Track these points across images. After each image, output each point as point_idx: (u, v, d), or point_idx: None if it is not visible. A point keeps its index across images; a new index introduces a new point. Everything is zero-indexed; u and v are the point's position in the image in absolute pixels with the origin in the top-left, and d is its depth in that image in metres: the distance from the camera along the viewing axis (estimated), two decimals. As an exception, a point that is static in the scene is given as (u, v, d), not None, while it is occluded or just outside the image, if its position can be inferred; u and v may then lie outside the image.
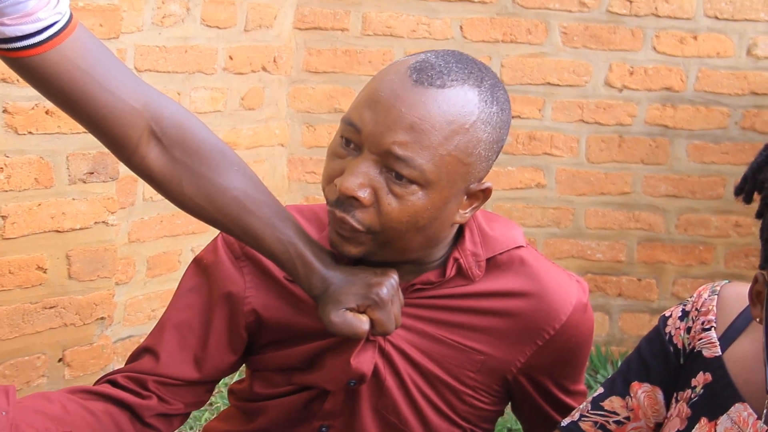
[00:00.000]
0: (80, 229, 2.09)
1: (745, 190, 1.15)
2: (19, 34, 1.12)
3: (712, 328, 1.21)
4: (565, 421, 1.30)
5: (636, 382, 1.26)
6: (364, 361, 1.30)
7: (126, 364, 1.39)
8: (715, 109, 2.97)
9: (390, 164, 1.19)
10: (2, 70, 1.91)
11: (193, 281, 1.38)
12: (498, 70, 2.92)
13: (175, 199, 1.26)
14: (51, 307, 2.07)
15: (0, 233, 1.96)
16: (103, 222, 2.13)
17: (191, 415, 2.34)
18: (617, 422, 1.27)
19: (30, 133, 1.98)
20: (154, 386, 1.33)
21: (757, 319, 1.12)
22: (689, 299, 1.27)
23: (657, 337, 1.26)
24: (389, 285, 1.24)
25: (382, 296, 1.22)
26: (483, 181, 1.26)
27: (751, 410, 1.14)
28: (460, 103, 1.19)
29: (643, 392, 1.25)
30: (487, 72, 1.24)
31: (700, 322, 1.22)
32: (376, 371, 1.32)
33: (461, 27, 2.90)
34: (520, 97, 2.94)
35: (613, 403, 1.27)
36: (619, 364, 1.30)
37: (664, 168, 3.00)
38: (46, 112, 2.00)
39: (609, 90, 2.96)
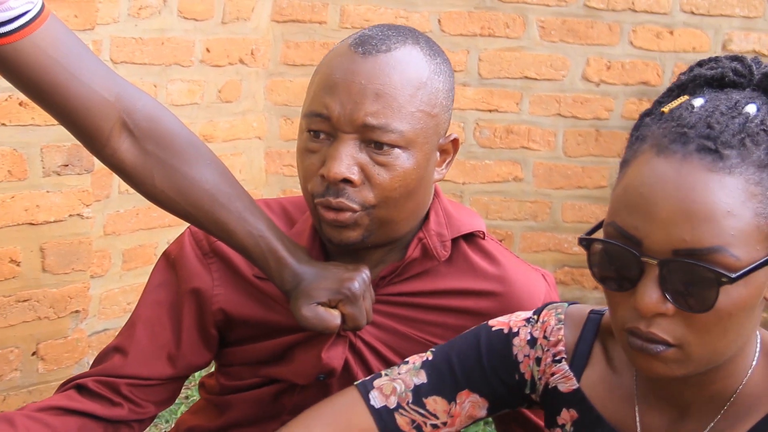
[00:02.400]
0: (54, 221, 2.08)
1: None
2: None
3: (563, 360, 1.13)
4: (375, 401, 1.15)
5: (467, 390, 1.16)
6: (335, 355, 1.30)
7: (95, 363, 1.37)
8: (691, 104, 2.99)
9: (369, 137, 1.20)
10: (-25, 61, 1.89)
11: (162, 277, 1.37)
12: (476, 64, 2.93)
13: (147, 192, 1.26)
14: (24, 300, 2.06)
15: (-27, 226, 1.95)
16: (77, 214, 2.11)
17: (169, 409, 2.33)
18: (434, 425, 1.16)
19: (3, 125, 1.97)
20: (126, 390, 1.32)
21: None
22: (533, 318, 1.17)
23: (503, 354, 1.16)
24: (361, 280, 1.24)
25: (354, 291, 1.23)
26: (448, 134, 1.29)
27: None
28: (410, 61, 1.23)
29: (470, 402, 1.17)
30: (417, 32, 1.29)
31: (550, 354, 1.14)
32: (347, 366, 1.32)
33: (439, 20, 2.90)
34: (497, 90, 2.95)
35: (437, 404, 1.16)
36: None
37: (641, 162, 3.02)
38: (20, 104, 1.98)
39: (586, 84, 2.98)
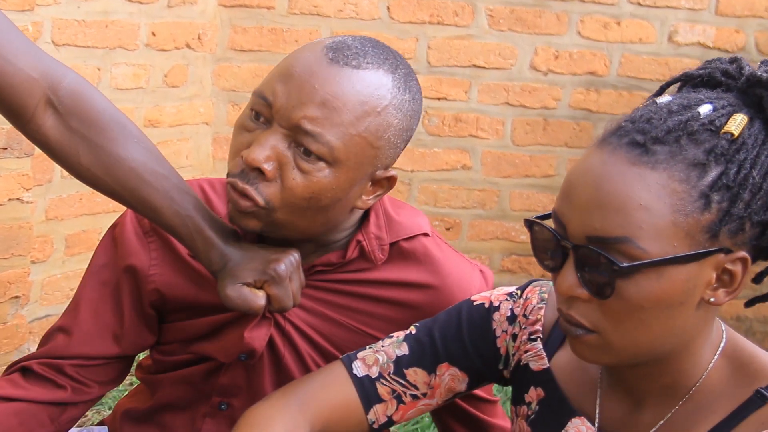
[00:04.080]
0: (-6, 205, 2.05)
1: None
2: None
3: (539, 339, 1.15)
4: (358, 370, 1.18)
5: (447, 363, 1.18)
6: (257, 336, 1.30)
7: (40, 345, 1.37)
8: (638, 94, 3.03)
9: (299, 139, 1.18)
10: None
11: (105, 256, 1.36)
12: (424, 52, 2.93)
13: (73, 169, 1.24)
14: (-38, 286, 2.03)
15: None
16: (17, 199, 2.08)
17: (112, 396, 2.31)
18: (413, 396, 1.19)
19: (-61, 106, 1.93)
20: (71, 370, 1.31)
21: None
22: (516, 293, 1.19)
23: (482, 328, 1.18)
24: (288, 262, 1.23)
25: (280, 272, 1.22)
26: (389, 169, 1.26)
27: (588, 423, 1.08)
28: (374, 85, 1.19)
29: (449, 375, 1.18)
30: (402, 61, 1.25)
31: (527, 332, 1.16)
32: (274, 348, 1.32)
33: (388, 7, 2.90)
34: (446, 78, 2.96)
35: (417, 375, 1.18)
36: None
37: (588, 151, 3.05)
38: (-43, 85, 1.94)
39: (534, 73, 3.00)
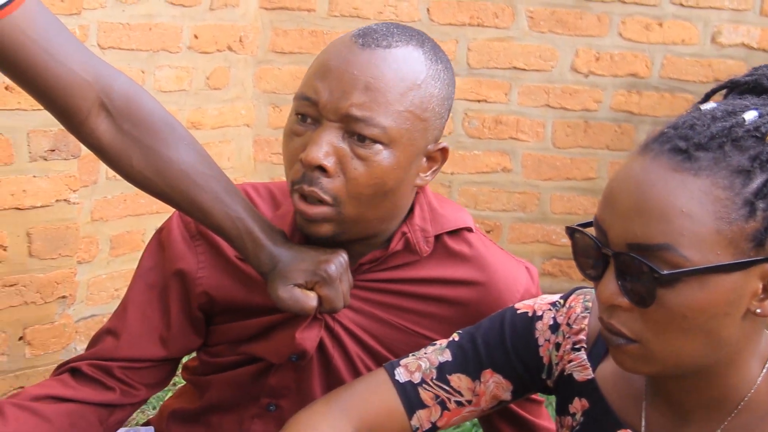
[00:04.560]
0: (41, 206, 2.07)
1: None
2: None
3: (582, 348, 1.13)
4: (400, 376, 1.18)
5: (491, 370, 1.17)
6: (309, 337, 1.30)
7: (89, 346, 1.38)
8: (680, 96, 3.00)
9: (351, 127, 1.19)
10: (-39, 44, 1.88)
11: (152, 259, 1.38)
12: (464, 54, 2.93)
13: (125, 172, 1.26)
14: (11, 285, 2.05)
15: (-42, 209, 1.94)
16: (64, 200, 2.11)
17: (156, 395, 2.33)
18: (458, 402, 1.18)
19: (-10, 108, 1.96)
20: (120, 373, 1.33)
21: None
22: (559, 302, 1.18)
23: (525, 337, 1.17)
24: (338, 262, 1.24)
25: (331, 273, 1.23)
26: (439, 142, 1.28)
27: None
28: (408, 60, 1.21)
29: (494, 382, 1.18)
30: (426, 36, 1.28)
31: (571, 341, 1.14)
32: (324, 349, 1.32)
33: (428, 9, 2.90)
34: (486, 80, 2.95)
35: (461, 381, 1.18)
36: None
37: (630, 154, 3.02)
38: (6, 88, 1.97)
39: (575, 75, 2.98)
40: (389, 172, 1.21)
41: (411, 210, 1.32)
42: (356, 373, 1.33)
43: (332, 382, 1.33)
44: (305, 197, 1.21)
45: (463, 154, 2.98)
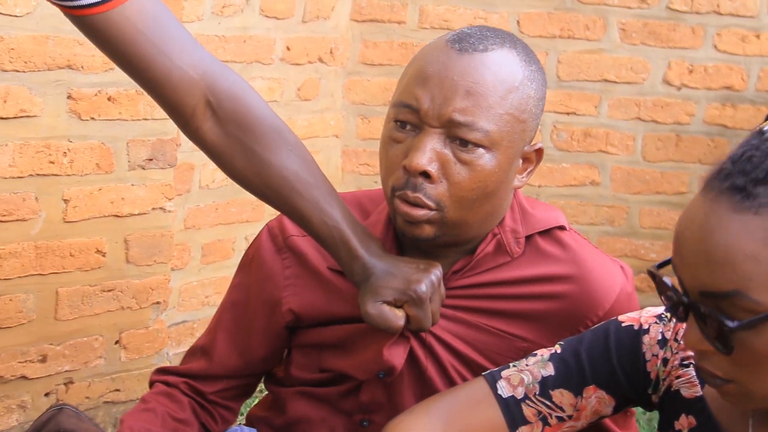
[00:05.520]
0: (138, 214, 2.12)
1: None
2: None
3: (691, 365, 1.10)
4: (503, 391, 1.16)
5: (594, 386, 1.15)
6: (396, 354, 1.30)
7: (183, 360, 1.44)
8: (777, 110, 2.92)
9: (454, 133, 1.20)
10: (67, 57, 1.94)
11: (240, 277, 1.41)
12: (554, 66, 2.90)
13: (227, 170, 1.27)
14: (109, 290, 2.11)
15: (62, 216, 2.00)
16: (160, 208, 2.16)
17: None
18: (559, 418, 1.16)
19: (92, 119, 2.02)
20: (213, 397, 1.39)
21: None
22: (666, 315, 1.15)
23: (632, 352, 1.14)
24: (429, 282, 1.23)
25: (420, 294, 1.22)
26: (533, 143, 1.28)
27: None
28: (505, 63, 1.23)
29: (596, 397, 1.16)
30: (516, 37, 1.29)
31: (679, 357, 1.12)
32: (416, 361, 1.31)
33: (518, 21, 2.88)
34: (576, 93, 2.92)
35: (563, 397, 1.16)
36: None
37: (722, 168, 2.96)
38: (108, 99, 2.03)
39: (667, 88, 2.93)
40: (491, 175, 1.22)
41: None
42: (451, 383, 1.32)
43: (426, 393, 1.32)
44: (408, 202, 1.22)
45: (551, 167, 2.95)
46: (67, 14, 1.17)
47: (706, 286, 0.91)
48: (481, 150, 1.21)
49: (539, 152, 1.29)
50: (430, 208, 1.21)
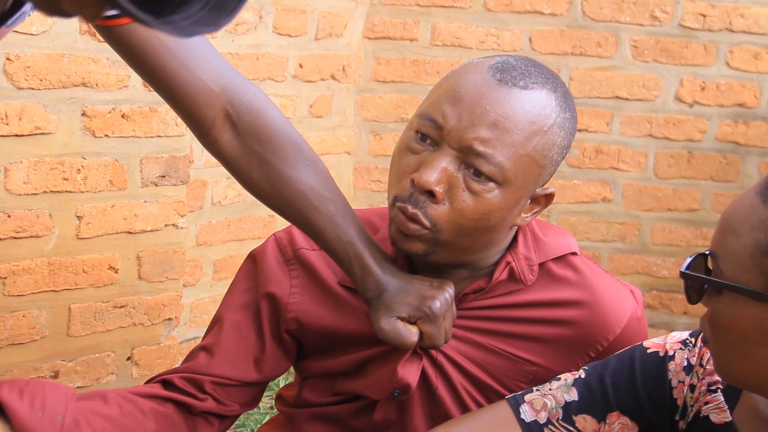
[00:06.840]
0: (151, 230, 2.13)
1: None
2: None
3: (719, 390, 1.11)
4: (526, 415, 1.16)
5: (618, 412, 1.15)
6: (410, 371, 1.29)
7: (183, 363, 1.39)
8: (789, 127, 2.91)
9: (470, 160, 1.19)
10: (82, 75, 1.96)
11: (247, 282, 1.38)
12: (566, 83, 2.90)
13: (244, 182, 1.28)
14: (121, 307, 2.12)
15: (75, 233, 2.01)
16: (173, 224, 2.17)
17: (254, 418, 2.36)
18: None
19: (106, 136, 2.03)
20: (210, 387, 1.34)
21: None
22: (690, 340, 1.16)
23: (658, 378, 1.14)
24: (443, 299, 1.23)
25: (435, 310, 1.22)
26: (546, 187, 1.27)
27: None
28: (540, 105, 1.21)
29: (619, 423, 1.15)
30: (560, 80, 1.27)
31: (705, 382, 1.12)
32: (427, 380, 1.31)
33: (530, 39, 2.89)
34: (588, 110, 2.92)
35: (587, 423, 1.16)
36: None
37: (735, 186, 2.95)
38: (122, 116, 2.05)
39: (679, 105, 2.92)
40: (495, 211, 1.20)
41: (515, 239, 1.31)
42: (460, 403, 1.32)
43: (435, 412, 1.33)
44: (406, 215, 1.21)
45: (562, 184, 2.95)
46: (92, 24, 1.18)
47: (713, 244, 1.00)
48: (492, 184, 1.19)
49: (549, 197, 1.27)
50: (424, 227, 1.21)
